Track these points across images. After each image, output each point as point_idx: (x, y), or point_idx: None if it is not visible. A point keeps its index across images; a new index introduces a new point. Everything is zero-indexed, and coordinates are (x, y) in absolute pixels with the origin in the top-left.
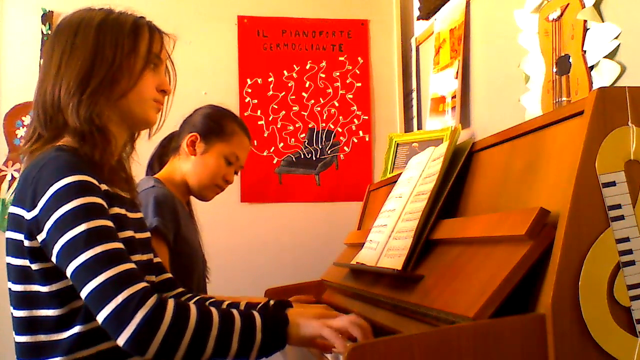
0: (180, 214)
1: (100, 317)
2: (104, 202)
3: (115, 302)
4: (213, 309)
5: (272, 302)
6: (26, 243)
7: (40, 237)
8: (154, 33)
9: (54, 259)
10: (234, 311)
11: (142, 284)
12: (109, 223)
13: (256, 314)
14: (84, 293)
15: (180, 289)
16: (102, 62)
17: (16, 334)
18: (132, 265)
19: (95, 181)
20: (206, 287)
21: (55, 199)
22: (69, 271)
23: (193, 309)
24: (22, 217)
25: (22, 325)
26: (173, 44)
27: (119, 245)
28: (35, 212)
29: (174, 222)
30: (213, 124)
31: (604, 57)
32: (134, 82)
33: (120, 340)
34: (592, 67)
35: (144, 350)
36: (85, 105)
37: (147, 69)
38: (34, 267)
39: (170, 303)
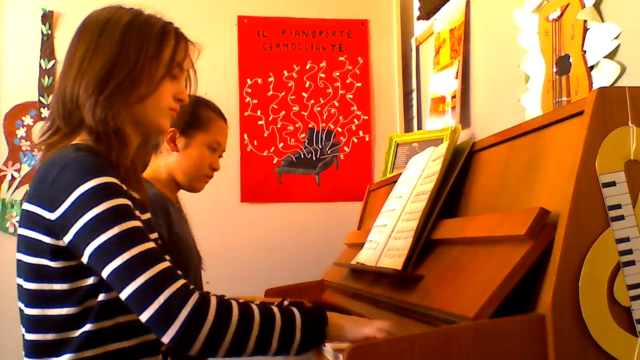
0: (171, 213)
1: (144, 317)
2: (130, 202)
3: (158, 302)
4: (254, 307)
5: (285, 302)
6: (48, 241)
7: (67, 238)
8: (179, 41)
9: (85, 259)
10: (274, 308)
11: (182, 281)
12: (139, 223)
13: (296, 311)
14: (124, 294)
15: None
16: (124, 64)
17: (26, 332)
18: (168, 263)
19: (119, 181)
20: (202, 283)
21: (83, 202)
22: (105, 273)
23: (235, 306)
24: (42, 216)
25: (34, 323)
26: (197, 54)
27: (152, 244)
28: (59, 213)
29: (166, 221)
30: (188, 116)
31: (604, 57)
32: (153, 88)
33: (166, 339)
34: (592, 67)
35: (189, 348)
36: (101, 106)
37: (167, 76)
38: (55, 265)
39: (213, 300)
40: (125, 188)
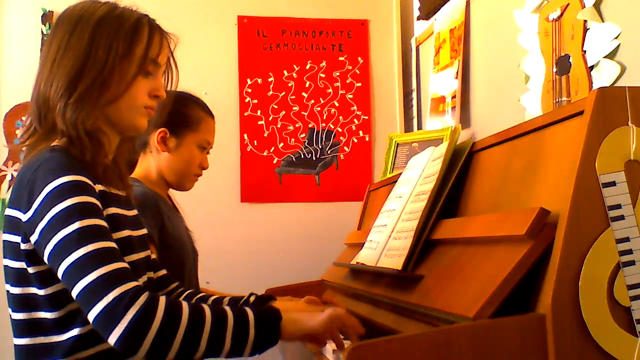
0: (163, 211)
1: (91, 316)
2: (99, 202)
3: (106, 300)
4: (205, 307)
5: (252, 297)
6: (22, 246)
7: (33, 238)
8: (153, 35)
9: (45, 259)
10: (227, 308)
11: (134, 283)
12: (103, 222)
13: (249, 310)
14: (75, 292)
15: (174, 284)
16: (93, 65)
17: (15, 337)
18: (124, 265)
19: (89, 181)
20: (198, 278)
21: (49, 200)
22: (60, 271)
23: (185, 307)
24: (19, 219)
25: (21, 328)
26: (174, 45)
27: (112, 244)
28: (30, 213)
29: (158, 220)
30: (178, 116)
31: (604, 57)
32: (125, 88)
33: (112, 339)
34: (592, 67)
35: (136, 349)
36: (70, 110)
37: (140, 74)
38: (30, 270)
39: (162, 301)
40: (96, 189)
